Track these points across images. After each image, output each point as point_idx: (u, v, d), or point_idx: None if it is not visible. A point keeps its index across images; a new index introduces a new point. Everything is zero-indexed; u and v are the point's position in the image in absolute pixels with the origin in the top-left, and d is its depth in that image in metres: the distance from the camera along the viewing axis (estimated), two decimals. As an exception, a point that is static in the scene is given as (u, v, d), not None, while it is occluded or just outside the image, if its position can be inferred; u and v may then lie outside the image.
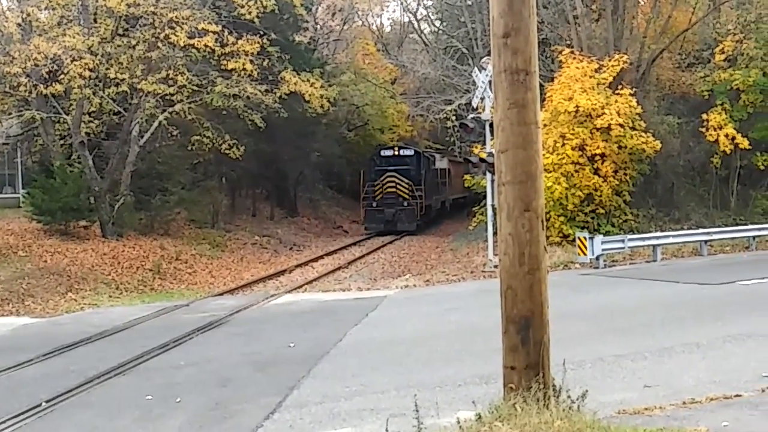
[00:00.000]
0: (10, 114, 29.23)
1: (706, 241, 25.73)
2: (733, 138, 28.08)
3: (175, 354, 13.45)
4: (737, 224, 28.89)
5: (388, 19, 66.40)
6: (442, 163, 45.31)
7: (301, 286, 23.89)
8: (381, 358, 12.41)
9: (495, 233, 21.36)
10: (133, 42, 27.65)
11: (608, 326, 13.71)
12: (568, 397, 6.51)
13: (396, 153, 40.43)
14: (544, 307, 6.62)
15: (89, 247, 25.79)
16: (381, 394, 9.94)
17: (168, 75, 27.96)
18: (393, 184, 39.13)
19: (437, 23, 51.62)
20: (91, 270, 23.89)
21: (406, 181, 39.06)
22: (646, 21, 31.80)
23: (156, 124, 28.64)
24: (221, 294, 22.70)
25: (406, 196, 38.81)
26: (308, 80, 33.09)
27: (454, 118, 33.22)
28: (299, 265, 29.26)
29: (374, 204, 39.06)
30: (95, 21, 27.83)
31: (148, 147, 29.76)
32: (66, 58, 25.18)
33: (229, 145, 30.75)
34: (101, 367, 12.03)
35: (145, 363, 12.69)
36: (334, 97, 37.06)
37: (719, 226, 28.01)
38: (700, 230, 26.86)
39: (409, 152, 40.70)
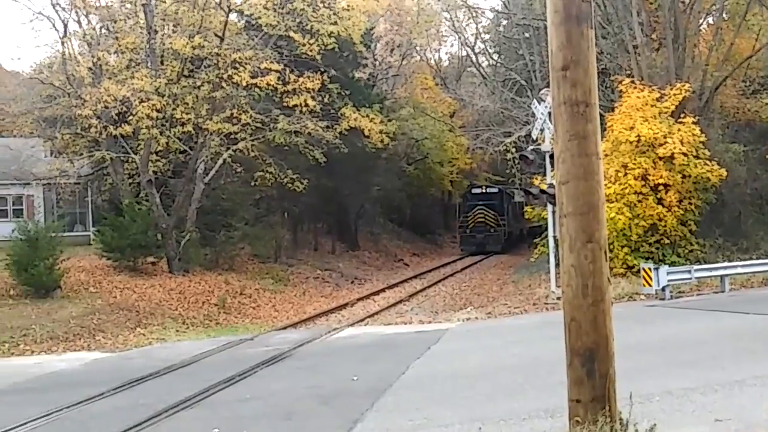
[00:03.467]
0: (81, 154, 30.31)
1: (776, 271, 25.01)
2: (803, 165, 27.40)
3: (240, 387, 13.59)
4: (809, 253, 28.01)
5: (446, 53, 66.71)
6: (519, 197, 47.19)
7: (363, 320, 23.96)
8: (444, 391, 12.36)
9: (557, 265, 21.16)
10: (198, 83, 28.43)
11: (676, 359, 13.40)
12: (636, 431, 6.42)
13: (484, 191, 49.16)
14: (609, 339, 6.55)
15: (157, 282, 26.36)
16: (445, 428, 9.89)
17: (232, 114, 28.66)
18: (482, 215, 47.78)
19: (495, 56, 51.73)
20: (159, 305, 24.39)
21: (492, 212, 47.67)
22: (708, 49, 31.40)
23: (220, 161, 29.28)
24: (284, 328, 22.89)
25: (493, 224, 47.70)
26: (368, 116, 33.53)
27: (513, 150, 33.12)
28: (361, 299, 29.37)
29: (468, 231, 48.33)
30: (162, 63, 28.70)
31: (213, 184, 30.41)
32: (134, 100, 26.05)
33: (291, 179, 31.21)
34: (169, 401, 12.22)
35: (211, 396, 12.84)
36: (394, 132, 37.41)
37: (790, 256, 27.20)
38: (770, 260, 26.11)
39: (494, 190, 48.66)
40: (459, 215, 51.42)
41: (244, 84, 28.28)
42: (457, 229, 51.88)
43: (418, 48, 52.74)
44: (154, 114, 26.65)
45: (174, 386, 13.81)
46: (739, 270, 24.74)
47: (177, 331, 22.45)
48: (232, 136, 29.24)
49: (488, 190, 49.21)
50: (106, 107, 26.40)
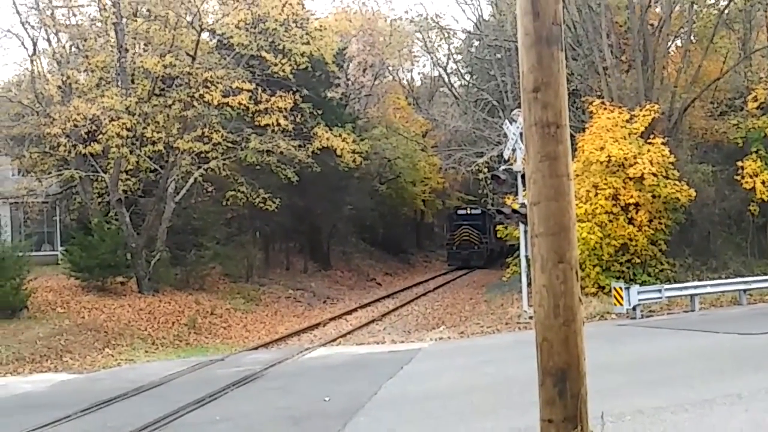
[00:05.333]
0: (49, 173, 29.93)
1: (744, 290, 25.27)
2: (770, 185, 27.79)
3: (210, 409, 13.45)
4: (776, 272, 28.36)
5: (419, 73, 67.14)
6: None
7: (335, 340, 23.85)
8: (417, 411, 12.31)
9: (529, 284, 21.23)
10: (169, 101, 28.27)
11: (647, 378, 13.48)
12: (608, 450, 6.41)
13: (468, 212, 53.05)
14: (581, 359, 6.54)
15: (126, 302, 26.05)
16: (417, 449, 9.86)
17: (203, 133, 28.51)
18: (467, 234, 52.02)
19: (467, 77, 52.11)
20: (128, 326, 24.10)
21: (476, 231, 51.70)
22: (677, 71, 31.89)
23: (191, 180, 29.10)
24: (256, 348, 22.72)
25: (476, 242, 51.89)
26: (340, 135, 33.55)
27: (486, 170, 33.28)
28: (333, 319, 29.24)
29: (454, 248, 53.14)
30: (132, 82, 28.51)
31: (184, 203, 30.18)
32: (104, 119, 25.82)
33: (263, 198, 31.08)
34: (137, 423, 12.06)
35: (180, 418, 12.70)
36: (366, 151, 37.43)
37: (758, 275, 27.50)
38: (739, 279, 26.38)
39: (477, 211, 51.84)
40: (446, 233, 57.80)
41: (216, 103, 28.18)
42: (445, 246, 57.57)
43: (390, 68, 52.95)
44: (125, 133, 26.43)
45: (142, 408, 13.64)
46: (709, 289, 25.00)
47: (146, 351, 22.18)
48: (204, 155, 29.07)
49: (472, 211, 52.71)
50: (76, 126, 26.14)
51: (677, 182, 26.43)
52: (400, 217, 59.10)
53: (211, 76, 28.02)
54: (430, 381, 15.29)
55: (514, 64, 35.61)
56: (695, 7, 31.75)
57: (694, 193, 26.57)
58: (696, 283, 25.55)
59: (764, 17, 32.92)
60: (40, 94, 27.94)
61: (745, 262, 29.90)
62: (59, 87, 27.77)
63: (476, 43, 49.04)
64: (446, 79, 50.27)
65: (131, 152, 27.64)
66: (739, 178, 28.49)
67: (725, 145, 31.80)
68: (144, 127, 27.37)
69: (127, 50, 27.62)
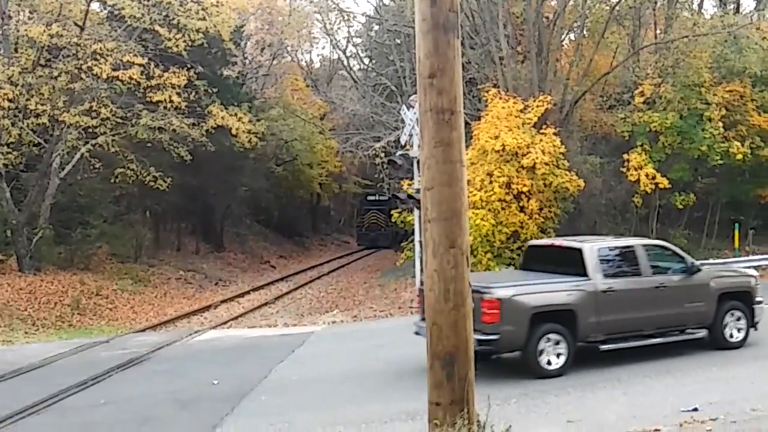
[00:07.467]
0: None
1: (626, 278, 26.26)
2: (654, 177, 28.90)
3: (93, 392, 13.04)
4: (656, 262, 29.58)
5: (318, 55, 66.99)
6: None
7: (226, 322, 23.53)
8: (307, 395, 12.28)
9: (422, 269, 21.45)
10: (56, 73, 27.05)
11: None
12: (492, 433, 6.54)
13: (377, 198, 56.09)
14: (469, 343, 6.65)
15: (4, 281, 24.97)
16: (306, 432, 9.85)
17: (91, 107, 27.43)
18: (375, 218, 57.10)
19: (366, 61, 52.13)
20: (6, 305, 23.08)
21: (383, 216, 54.53)
22: (569, 64, 32.75)
23: (78, 156, 28.04)
24: (143, 330, 22.17)
25: (383, 225, 55.57)
26: (236, 114, 32.92)
27: (383, 154, 33.32)
28: (225, 301, 28.83)
29: (363, 230, 58.67)
30: (16, 51, 27.19)
31: (69, 179, 29.07)
32: (-16, 88, 24.51)
33: (154, 177, 30.20)
34: (14, 407, 11.58)
35: (61, 401, 12.27)
36: (263, 132, 36.88)
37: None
38: (621, 267, 27.41)
39: (385, 198, 53.71)
40: (356, 216, 64.23)
41: (105, 76, 27.13)
42: (355, 228, 64.07)
43: (289, 48, 52.32)
44: (6, 104, 25.19)
45: (21, 391, 13.11)
46: (593, 276, 25.86)
47: (26, 332, 21.31)
48: (92, 130, 27.99)
49: (380, 197, 55.02)
50: (-47, 94, 24.75)
51: (567, 172, 27.20)
52: (296, 200, 58.91)
53: (100, 48, 26.97)
54: (322, 364, 15.27)
55: (412, 50, 35.68)
56: (588, 1, 32.66)
57: (582, 183, 27.39)
58: (581, 270, 26.37)
59: (652, 15, 34.17)
60: None
61: (628, 251, 31.06)
62: (-65, 52, 26.21)
63: (376, 28, 49.04)
64: (345, 63, 50.08)
65: (13, 124, 26.33)
66: (624, 170, 29.55)
67: (613, 137, 32.90)
68: (27, 99, 26.12)
69: (10, 17, 26.30)
